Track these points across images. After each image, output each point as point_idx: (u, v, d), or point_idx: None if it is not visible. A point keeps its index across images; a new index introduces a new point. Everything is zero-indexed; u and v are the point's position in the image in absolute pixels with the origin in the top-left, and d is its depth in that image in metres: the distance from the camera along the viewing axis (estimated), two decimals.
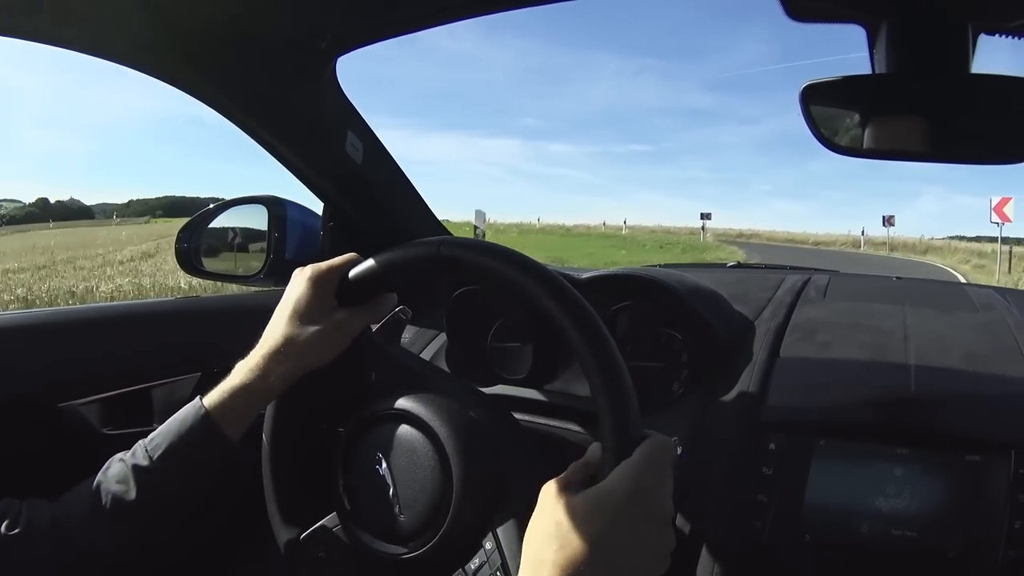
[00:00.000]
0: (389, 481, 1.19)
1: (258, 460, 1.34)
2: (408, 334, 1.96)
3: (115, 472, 1.19)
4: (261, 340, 1.28)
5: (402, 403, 1.24)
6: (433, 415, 1.21)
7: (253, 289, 2.18)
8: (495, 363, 1.80)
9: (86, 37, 1.48)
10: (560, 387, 1.68)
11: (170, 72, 1.60)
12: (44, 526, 1.14)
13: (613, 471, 0.97)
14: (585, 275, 1.75)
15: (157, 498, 1.17)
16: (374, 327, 1.36)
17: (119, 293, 16.72)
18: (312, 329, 1.26)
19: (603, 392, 1.03)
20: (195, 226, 2.14)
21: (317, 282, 1.29)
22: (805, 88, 1.19)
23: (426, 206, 2.23)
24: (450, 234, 1.64)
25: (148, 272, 21.30)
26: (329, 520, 1.30)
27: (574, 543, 0.90)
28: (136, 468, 1.17)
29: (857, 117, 1.22)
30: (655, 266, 2.23)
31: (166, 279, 18.41)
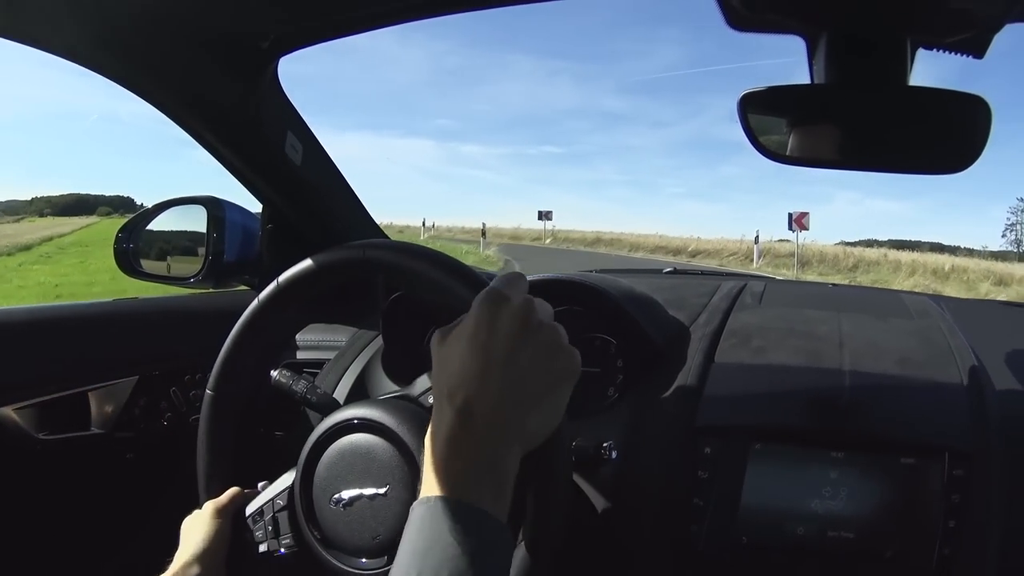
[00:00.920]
0: (355, 493, 1.18)
1: None
2: (344, 336, 1.96)
3: None
4: None
5: (340, 416, 1.24)
6: (380, 413, 1.21)
7: (191, 291, 2.15)
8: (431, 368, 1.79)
9: (21, 25, 1.45)
10: None
11: (110, 67, 1.58)
12: None
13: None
14: None
15: None
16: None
17: None
18: (196, 530, 1.29)
19: (441, 274, 1.14)
20: (134, 227, 2.11)
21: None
22: (743, 96, 1.20)
23: (364, 209, 2.22)
24: (387, 237, 1.63)
25: None
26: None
27: (452, 372, 0.98)
28: None
29: (794, 126, 1.24)
30: (590, 271, 2.24)
31: None
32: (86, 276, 24.68)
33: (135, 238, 2.10)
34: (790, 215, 35.23)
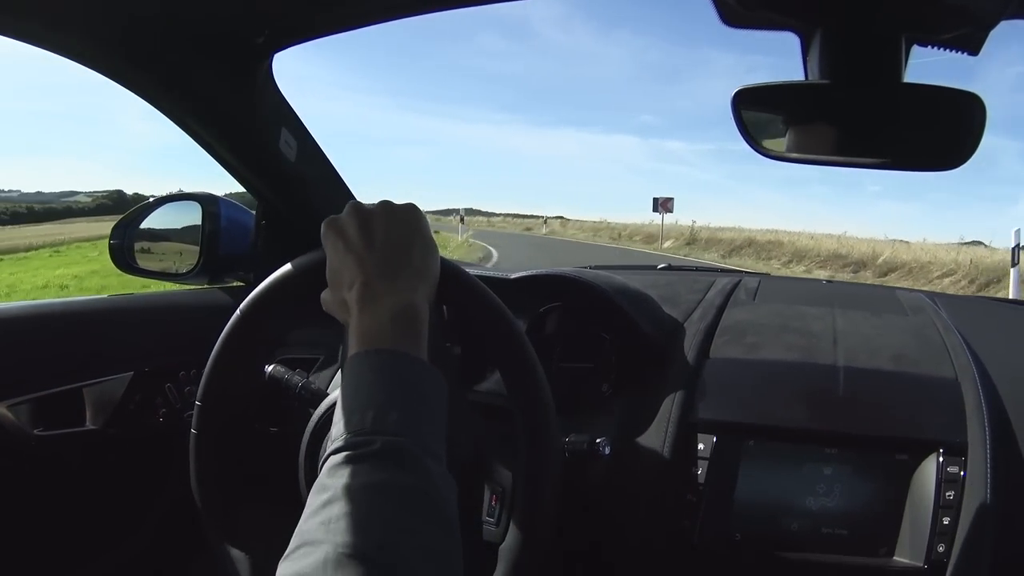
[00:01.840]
0: None
1: None
2: (337, 333, 1.96)
3: None
4: None
5: (332, 401, 1.24)
6: None
7: (186, 287, 2.15)
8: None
9: (18, 24, 1.45)
10: (488, 387, 1.68)
11: (103, 63, 1.57)
12: None
13: None
14: (514, 275, 1.75)
15: None
16: None
17: None
18: None
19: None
20: (129, 223, 2.11)
21: None
22: (737, 93, 1.20)
23: None
24: None
25: None
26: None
27: (336, 285, 1.13)
28: None
29: (788, 123, 1.24)
30: (585, 267, 2.24)
31: None
32: None
33: (130, 234, 2.09)
34: (656, 200, 39.76)
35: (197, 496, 1.32)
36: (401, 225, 1.14)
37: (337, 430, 0.91)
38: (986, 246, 30.06)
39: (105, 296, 1.91)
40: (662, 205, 40.43)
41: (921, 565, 1.34)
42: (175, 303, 2.00)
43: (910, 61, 1.12)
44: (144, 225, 2.12)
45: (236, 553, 1.29)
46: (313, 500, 0.84)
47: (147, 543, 1.77)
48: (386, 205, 1.17)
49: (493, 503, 1.35)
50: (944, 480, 1.36)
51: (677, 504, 1.44)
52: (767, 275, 2.35)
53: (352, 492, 0.83)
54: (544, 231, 68.06)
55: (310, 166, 2.00)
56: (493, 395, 1.61)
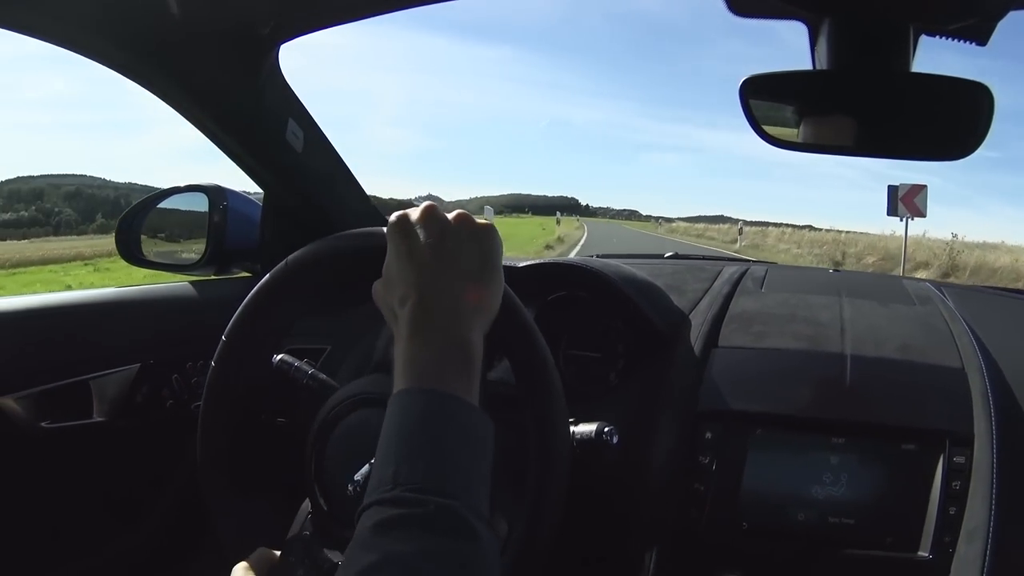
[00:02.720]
0: (366, 472, 1.16)
1: None
2: (344, 324, 1.96)
3: None
4: None
5: (342, 394, 1.23)
6: (382, 386, 1.19)
7: (193, 278, 2.15)
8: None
9: (18, 14, 1.45)
10: (498, 376, 1.68)
11: (110, 55, 1.58)
12: None
13: None
14: (522, 263, 1.75)
15: None
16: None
17: None
18: None
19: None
20: (135, 214, 2.11)
21: None
22: (745, 81, 1.20)
23: (365, 196, 2.23)
24: (385, 222, 1.63)
25: None
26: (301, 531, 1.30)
27: (391, 292, 1.05)
28: None
29: (795, 111, 1.24)
30: (593, 256, 2.24)
31: None
32: None
33: (137, 226, 2.10)
34: None
35: (202, 481, 1.32)
36: (477, 250, 1.06)
37: (381, 476, 0.87)
38: None
39: (111, 288, 1.92)
40: (905, 201, 18.68)
41: (927, 555, 1.34)
42: (182, 294, 2.00)
43: (918, 51, 1.12)
44: (151, 216, 2.13)
45: (238, 541, 1.29)
46: (358, 558, 0.81)
47: (153, 533, 1.77)
48: (466, 221, 1.08)
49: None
50: (950, 470, 1.36)
51: (684, 493, 1.45)
52: (774, 264, 2.35)
53: (404, 559, 0.80)
54: (740, 243, 43.40)
55: (317, 157, 2.01)
56: (500, 383, 1.61)
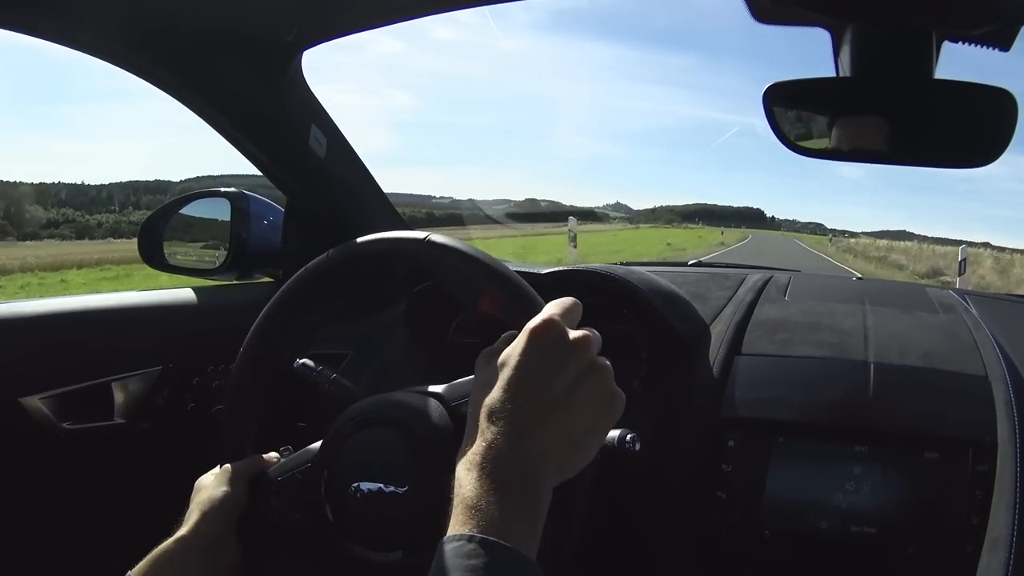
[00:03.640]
0: (374, 487, 1.16)
1: None
2: (365, 329, 1.96)
3: None
4: None
5: (365, 407, 1.23)
6: (408, 411, 1.18)
7: (215, 283, 2.16)
8: (455, 358, 1.79)
9: (49, 25, 1.47)
10: None
11: (134, 63, 1.59)
12: None
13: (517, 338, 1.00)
14: (546, 270, 1.75)
15: None
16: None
17: None
18: (207, 486, 1.26)
19: (499, 286, 1.11)
20: (158, 220, 2.12)
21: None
22: (768, 88, 1.20)
23: (387, 201, 2.24)
24: (410, 228, 1.63)
25: None
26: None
27: (496, 393, 0.94)
28: None
29: (819, 119, 1.24)
30: (616, 263, 2.23)
31: None
32: None
33: (159, 231, 2.11)
34: None
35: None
36: (594, 416, 0.98)
37: None
38: None
39: (134, 292, 1.93)
40: None
41: (950, 565, 1.33)
42: (204, 299, 2.01)
43: (941, 57, 1.12)
44: (173, 221, 2.14)
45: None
46: None
47: (171, 534, 1.78)
48: (605, 378, 1.00)
49: None
50: (973, 479, 1.35)
51: (706, 501, 1.44)
52: (798, 272, 2.34)
53: None
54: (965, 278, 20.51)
55: (340, 163, 2.01)
56: None
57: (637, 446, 1.17)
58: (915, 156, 1.20)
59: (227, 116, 1.76)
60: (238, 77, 1.68)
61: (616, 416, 1.00)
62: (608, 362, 1.01)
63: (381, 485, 1.13)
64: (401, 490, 1.12)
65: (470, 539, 0.84)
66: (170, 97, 1.69)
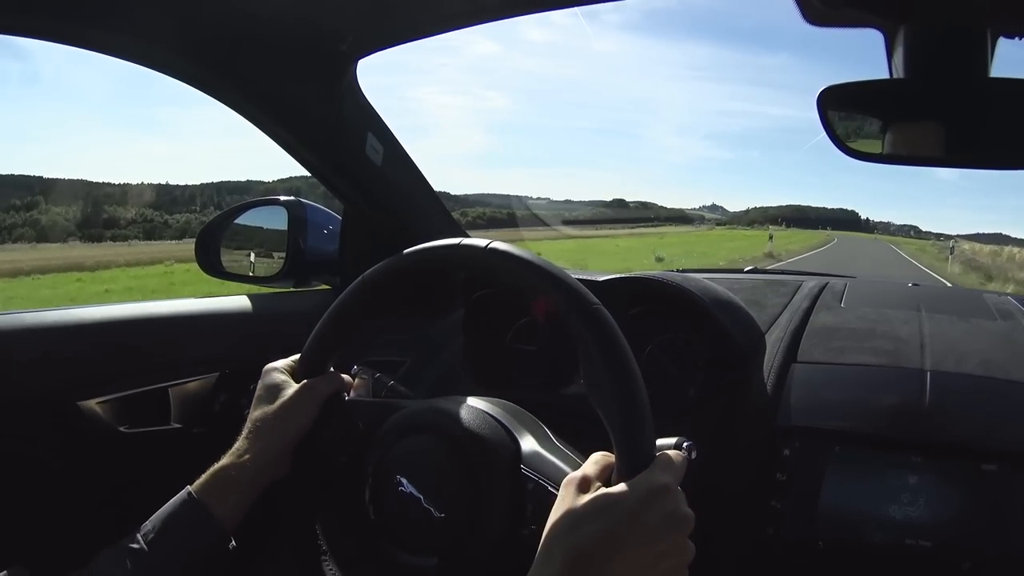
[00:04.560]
0: (416, 492, 1.14)
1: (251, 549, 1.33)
2: (421, 336, 1.97)
3: (110, 554, 1.18)
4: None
5: (410, 415, 1.23)
6: (446, 417, 1.18)
7: (273, 290, 2.18)
8: (513, 365, 1.79)
9: (108, 39, 1.49)
10: (578, 391, 1.67)
11: (190, 73, 1.61)
12: None
13: (625, 481, 0.97)
14: (602, 278, 1.74)
15: None
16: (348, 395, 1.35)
17: None
18: (277, 404, 1.26)
19: (619, 410, 1.03)
20: (215, 228, 2.15)
21: (279, 371, 1.32)
22: (823, 92, 1.19)
23: (443, 207, 2.25)
24: (466, 235, 1.63)
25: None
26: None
27: (584, 537, 0.91)
28: (130, 551, 1.16)
29: (875, 122, 1.22)
30: (673, 270, 2.23)
31: None
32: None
33: (216, 239, 2.14)
34: None
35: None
36: (674, 563, 0.98)
37: None
38: None
39: (193, 299, 1.95)
40: None
41: None
42: (261, 306, 2.03)
43: (996, 54, 1.10)
44: (231, 230, 2.17)
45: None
46: None
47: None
48: (686, 533, 1.00)
49: None
50: None
51: (761, 510, 1.43)
52: (853, 278, 2.32)
53: None
54: None
55: (397, 171, 2.03)
56: (578, 400, 1.60)
57: (694, 454, 1.17)
58: (973, 158, 1.18)
59: (283, 125, 1.78)
60: (294, 86, 1.70)
61: (676, 560, 0.98)
62: (691, 521, 1.00)
63: (421, 497, 1.13)
64: (439, 513, 1.12)
65: None
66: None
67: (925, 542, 1.35)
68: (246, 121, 1.72)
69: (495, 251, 1.17)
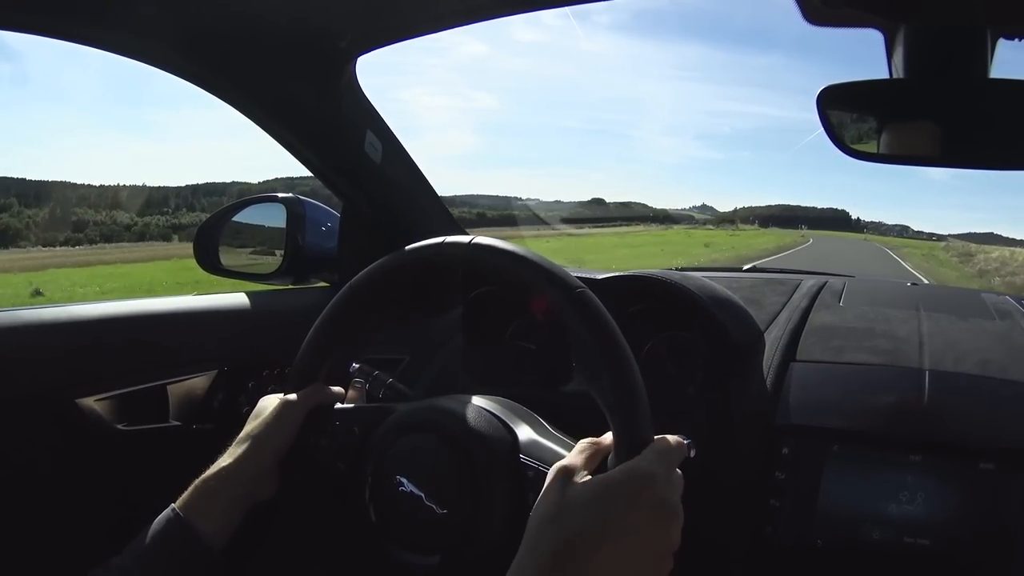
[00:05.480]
0: (417, 491, 1.15)
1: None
2: (419, 334, 1.97)
3: (98, 574, 1.17)
4: None
5: (408, 415, 1.23)
6: (442, 415, 1.19)
7: (271, 287, 2.18)
8: (512, 363, 1.79)
9: (109, 36, 1.49)
10: (576, 388, 1.67)
11: (188, 70, 1.61)
12: None
13: (619, 465, 0.98)
14: (602, 276, 1.74)
15: None
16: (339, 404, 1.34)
17: None
18: (259, 420, 1.26)
19: (615, 391, 1.03)
20: (213, 224, 2.15)
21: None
22: (823, 91, 1.19)
23: (442, 205, 2.26)
24: (464, 232, 1.63)
25: None
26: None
27: (571, 526, 0.91)
28: (118, 569, 1.16)
29: (874, 121, 1.22)
30: (673, 269, 2.23)
31: None
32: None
33: (215, 235, 2.14)
34: None
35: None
36: (660, 557, 0.97)
37: None
38: None
39: (191, 296, 1.95)
40: None
41: None
42: (259, 303, 2.03)
43: (995, 55, 1.10)
44: (229, 226, 2.17)
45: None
46: None
47: None
48: (678, 520, 1.00)
49: None
50: None
51: (760, 508, 1.43)
52: (852, 277, 2.32)
53: None
54: None
55: (396, 168, 2.03)
56: (578, 397, 1.60)
57: (692, 453, 1.17)
58: (973, 158, 1.19)
59: (283, 123, 1.78)
60: (292, 83, 1.70)
61: (665, 571, 0.98)
62: (681, 512, 1.01)
63: (422, 495, 1.13)
64: (440, 510, 1.12)
65: None
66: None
67: (923, 540, 1.35)
68: (234, 123, 1.73)
69: (478, 246, 1.18)
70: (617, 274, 1.76)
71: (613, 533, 0.91)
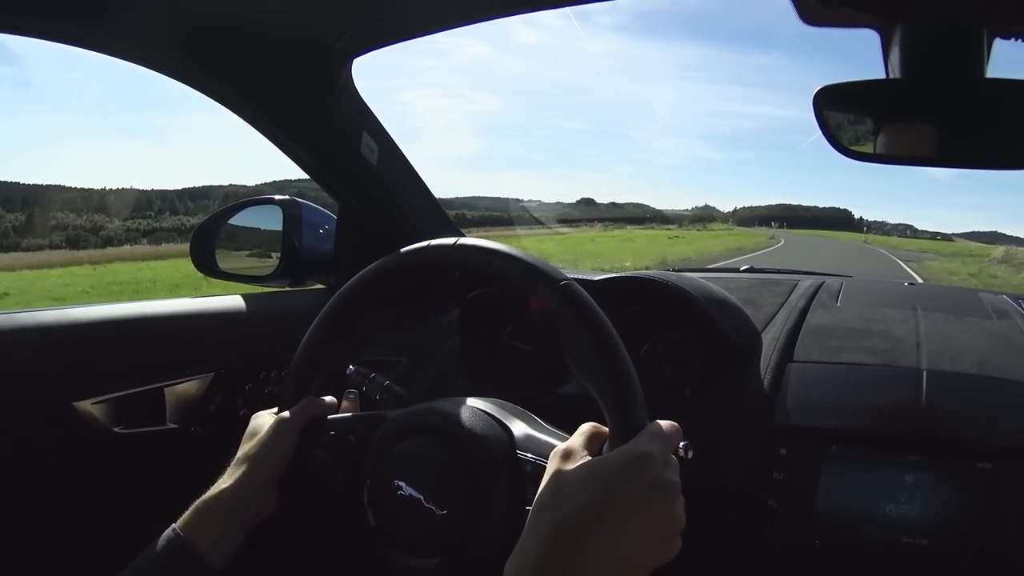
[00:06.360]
0: (415, 493, 1.15)
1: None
2: (417, 336, 1.97)
3: None
4: None
5: (403, 419, 1.23)
6: (437, 417, 1.20)
7: (268, 289, 2.18)
8: (509, 364, 1.79)
9: (104, 38, 1.49)
10: (574, 390, 1.67)
11: (184, 72, 1.61)
12: None
13: (615, 449, 0.98)
14: (598, 277, 1.74)
15: None
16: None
17: None
18: (255, 440, 1.25)
19: (607, 378, 1.04)
20: (210, 226, 2.15)
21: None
22: (819, 91, 1.19)
23: (439, 206, 2.25)
24: (462, 234, 1.63)
25: None
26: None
27: (568, 507, 0.92)
28: None
29: (871, 121, 1.22)
30: (669, 269, 2.23)
31: None
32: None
33: (211, 238, 2.14)
34: None
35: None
36: (664, 539, 0.98)
37: None
38: None
39: (188, 299, 1.95)
40: None
41: None
42: (256, 305, 2.03)
43: (992, 54, 1.10)
44: (225, 228, 2.17)
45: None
46: None
47: None
48: (678, 504, 1.00)
49: None
50: None
51: (757, 509, 1.43)
52: (850, 277, 2.32)
53: None
54: None
55: (392, 169, 2.03)
56: (575, 398, 1.60)
57: (690, 454, 1.16)
58: (969, 158, 1.19)
59: (278, 124, 1.78)
60: (288, 85, 1.70)
61: (669, 555, 0.99)
62: (681, 498, 1.00)
63: (421, 497, 1.13)
64: (440, 511, 1.12)
65: None
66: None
67: (922, 540, 1.34)
68: (230, 125, 1.73)
69: (463, 247, 1.19)
70: (613, 275, 1.76)
71: (611, 513, 0.91)
